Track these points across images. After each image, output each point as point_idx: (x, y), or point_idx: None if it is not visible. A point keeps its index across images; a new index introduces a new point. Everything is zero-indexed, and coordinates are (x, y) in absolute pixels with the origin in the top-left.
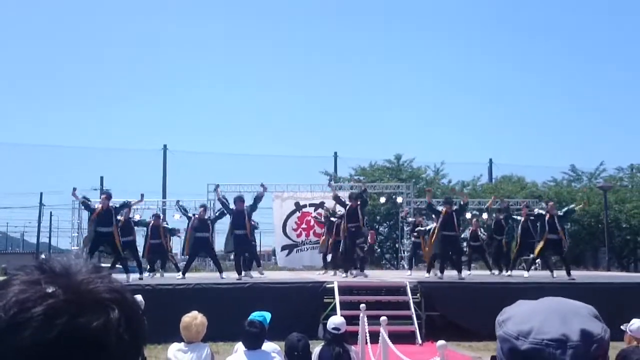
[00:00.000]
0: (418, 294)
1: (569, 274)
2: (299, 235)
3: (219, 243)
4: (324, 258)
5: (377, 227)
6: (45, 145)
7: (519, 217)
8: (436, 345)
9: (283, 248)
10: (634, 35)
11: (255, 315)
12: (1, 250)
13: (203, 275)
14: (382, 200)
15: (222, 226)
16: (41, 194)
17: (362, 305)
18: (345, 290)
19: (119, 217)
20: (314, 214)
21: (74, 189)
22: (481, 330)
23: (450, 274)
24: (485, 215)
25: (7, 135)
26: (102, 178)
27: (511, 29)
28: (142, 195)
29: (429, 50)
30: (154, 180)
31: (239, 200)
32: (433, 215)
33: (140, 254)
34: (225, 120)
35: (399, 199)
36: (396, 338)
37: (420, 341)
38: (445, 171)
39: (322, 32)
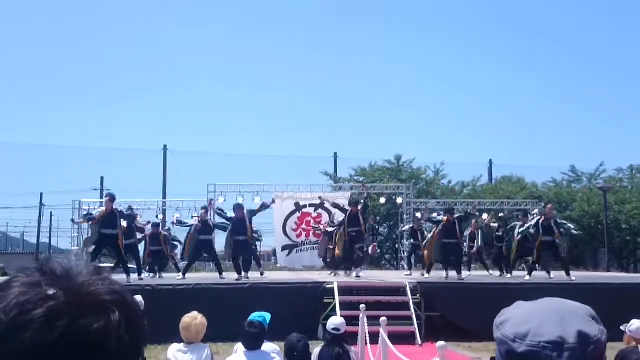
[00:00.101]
0: (418, 295)
1: (568, 274)
2: (298, 236)
3: (219, 243)
4: (324, 260)
5: (377, 227)
6: (45, 145)
7: (517, 225)
8: (436, 346)
9: (283, 248)
10: (634, 35)
11: (255, 316)
12: (1, 251)
13: (203, 276)
14: (382, 200)
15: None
16: (41, 194)
17: (362, 306)
18: (345, 290)
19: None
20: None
21: (72, 220)
22: (481, 330)
23: (450, 275)
24: (485, 216)
25: (7, 135)
26: (102, 178)
27: (511, 29)
28: (149, 222)
29: (429, 50)
30: (154, 180)
31: (238, 208)
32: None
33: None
34: (225, 120)
35: (399, 200)
36: (396, 339)
37: (420, 342)
38: (445, 172)
39: (322, 32)
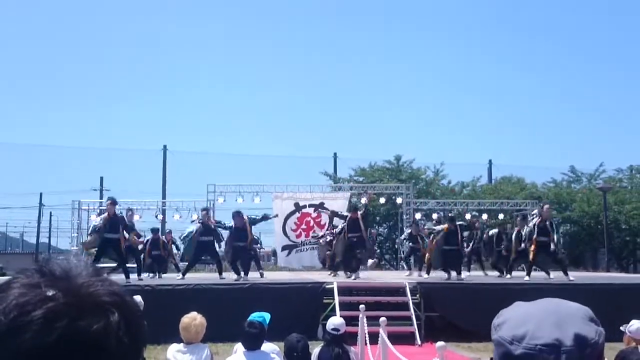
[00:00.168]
0: (417, 295)
1: (565, 274)
2: (298, 236)
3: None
4: (323, 264)
5: (376, 227)
6: (45, 145)
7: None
8: (435, 346)
9: (283, 248)
10: (634, 35)
11: (255, 316)
12: (0, 251)
13: (202, 276)
14: (382, 201)
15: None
16: (41, 194)
17: (362, 306)
18: (344, 291)
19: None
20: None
21: (83, 243)
22: (480, 331)
23: (452, 275)
24: (485, 216)
25: (7, 135)
26: (101, 178)
27: (511, 29)
28: (142, 241)
29: (429, 50)
30: (154, 180)
31: (237, 215)
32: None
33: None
34: (225, 120)
35: (399, 200)
36: (395, 339)
37: (419, 342)
38: (445, 172)
39: (322, 32)
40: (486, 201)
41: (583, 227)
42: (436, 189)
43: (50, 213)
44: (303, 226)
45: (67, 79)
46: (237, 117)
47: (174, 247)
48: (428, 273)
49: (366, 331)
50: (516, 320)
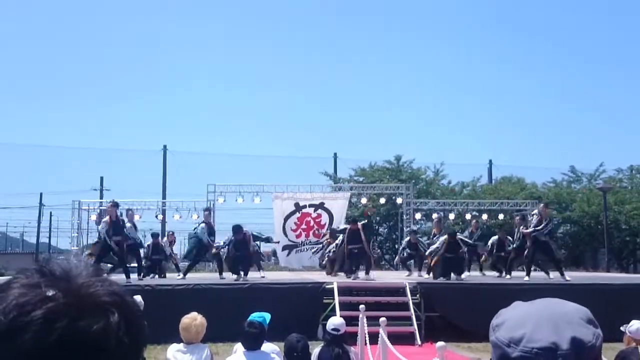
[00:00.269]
0: (417, 295)
1: (562, 274)
2: (298, 236)
3: None
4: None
5: (376, 227)
6: (45, 146)
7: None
8: (435, 346)
9: (283, 248)
10: (634, 35)
11: (255, 316)
12: (1, 251)
13: (202, 276)
14: (382, 201)
15: (225, 227)
16: (41, 194)
17: (362, 306)
18: (344, 291)
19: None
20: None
21: (90, 253)
22: (480, 331)
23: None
24: (485, 216)
25: (7, 135)
26: (101, 178)
27: (511, 29)
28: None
29: (429, 50)
30: (154, 180)
31: (238, 231)
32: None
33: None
34: (225, 120)
35: (399, 200)
36: (395, 339)
37: (419, 342)
38: (445, 172)
39: (322, 32)
40: (486, 201)
41: (583, 227)
42: (436, 189)
43: (51, 213)
44: (303, 226)
45: (67, 79)
46: (237, 117)
47: (172, 249)
48: (428, 273)
49: (366, 331)
50: (514, 322)
